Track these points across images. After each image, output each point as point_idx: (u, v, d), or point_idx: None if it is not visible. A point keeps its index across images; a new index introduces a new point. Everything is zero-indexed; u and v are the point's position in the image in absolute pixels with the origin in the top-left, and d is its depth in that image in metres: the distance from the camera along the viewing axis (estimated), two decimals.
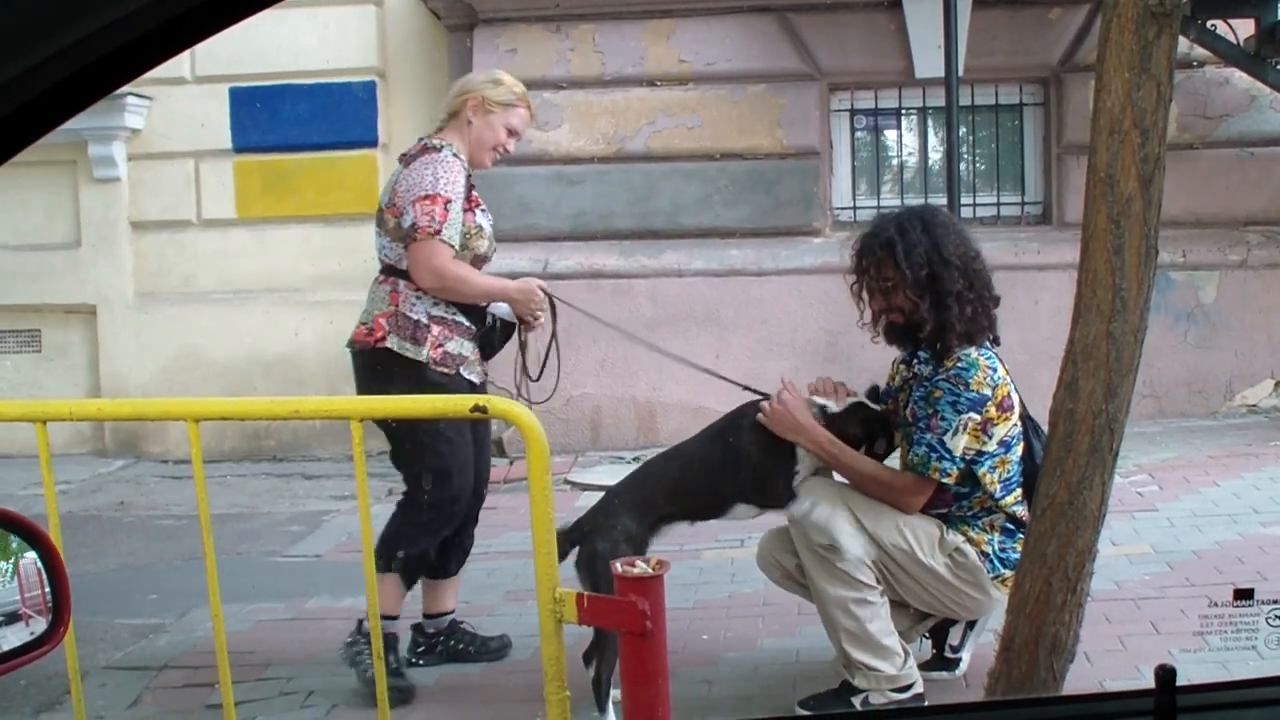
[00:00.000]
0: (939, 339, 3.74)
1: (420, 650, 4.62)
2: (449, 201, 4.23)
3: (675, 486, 3.94)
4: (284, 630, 5.11)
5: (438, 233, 4.19)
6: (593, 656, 3.78)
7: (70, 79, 1.01)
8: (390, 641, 4.17)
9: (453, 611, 4.69)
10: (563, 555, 3.85)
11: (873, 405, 3.90)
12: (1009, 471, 3.77)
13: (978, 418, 3.65)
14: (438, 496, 4.34)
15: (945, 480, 3.66)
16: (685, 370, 7.76)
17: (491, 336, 4.46)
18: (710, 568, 5.48)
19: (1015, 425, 3.77)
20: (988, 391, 3.66)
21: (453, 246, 4.23)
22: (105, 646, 4.97)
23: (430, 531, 4.41)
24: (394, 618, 4.30)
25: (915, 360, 3.95)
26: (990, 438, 3.68)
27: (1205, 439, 7.37)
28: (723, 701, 4.05)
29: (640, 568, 2.54)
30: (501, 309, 4.46)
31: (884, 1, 8.21)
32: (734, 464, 3.89)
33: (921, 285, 3.69)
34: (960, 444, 3.64)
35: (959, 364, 3.68)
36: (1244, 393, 7.99)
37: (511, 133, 4.48)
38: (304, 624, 5.19)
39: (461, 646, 4.62)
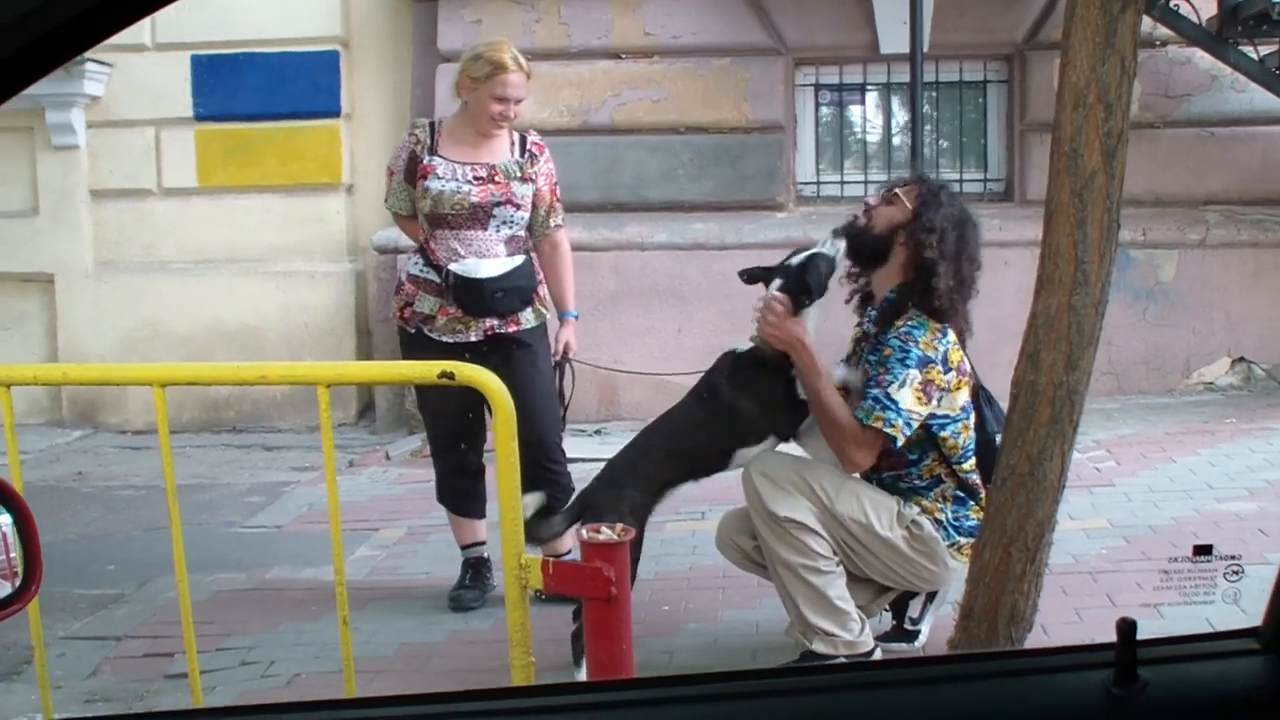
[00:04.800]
0: (920, 287, 3.76)
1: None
2: (392, 174, 4.83)
3: (672, 451, 3.92)
4: (244, 600, 5.10)
5: (386, 200, 4.92)
6: (579, 611, 3.77)
7: (33, 44, 0.99)
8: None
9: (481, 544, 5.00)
10: (567, 527, 3.91)
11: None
12: (971, 437, 3.80)
13: (920, 376, 3.66)
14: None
15: (889, 431, 3.64)
16: (647, 344, 7.81)
17: (458, 292, 4.60)
18: (672, 540, 5.49)
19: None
20: (932, 353, 3.68)
21: (395, 211, 4.89)
22: (64, 617, 4.94)
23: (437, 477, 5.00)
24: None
25: (865, 320, 3.99)
26: (933, 400, 3.69)
27: (1163, 416, 7.44)
28: (683, 671, 4.07)
29: (605, 534, 2.55)
30: (462, 265, 4.61)
31: None
32: (725, 415, 3.89)
33: (929, 230, 3.74)
34: (907, 400, 3.65)
35: (909, 323, 3.73)
36: (1201, 371, 8.07)
37: (501, 100, 4.63)
38: (264, 594, 5.18)
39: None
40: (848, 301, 4.06)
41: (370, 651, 4.37)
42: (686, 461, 3.93)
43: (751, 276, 3.96)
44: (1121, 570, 4.77)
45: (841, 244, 3.89)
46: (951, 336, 3.77)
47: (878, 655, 3.81)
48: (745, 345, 3.97)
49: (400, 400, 8.36)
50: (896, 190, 3.86)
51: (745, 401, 3.89)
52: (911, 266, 3.79)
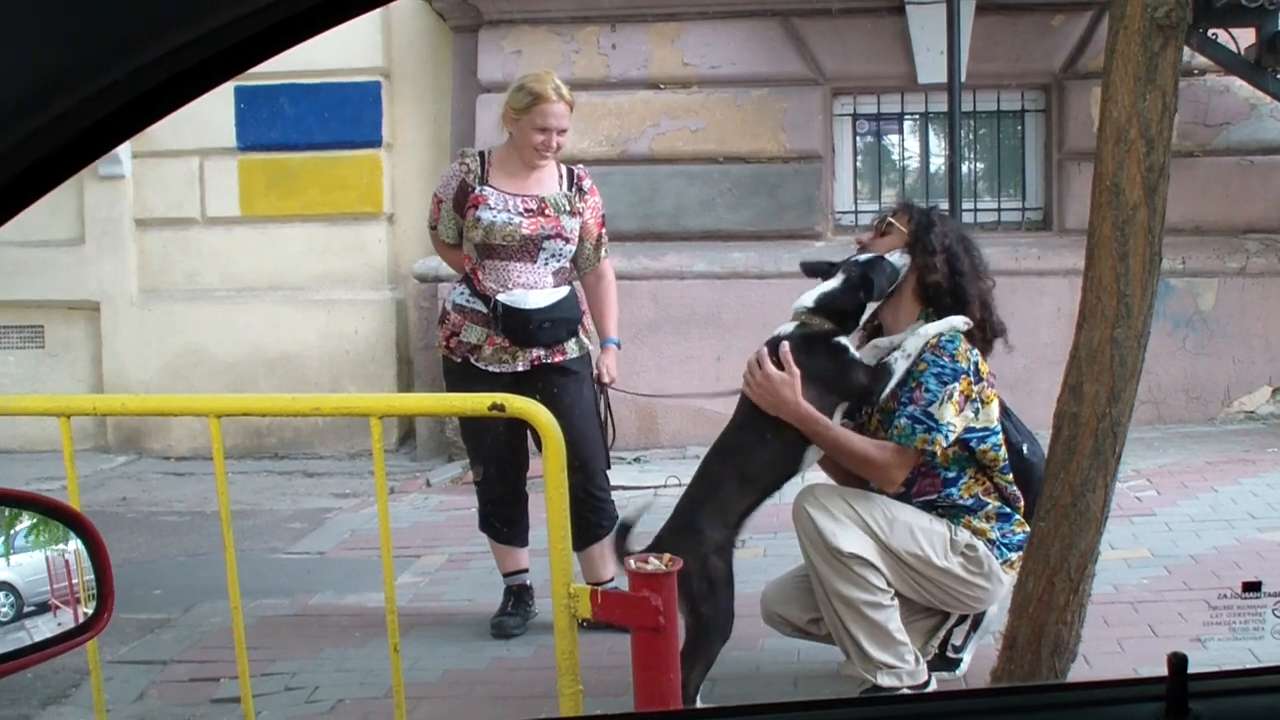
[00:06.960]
0: (927, 288, 3.79)
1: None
2: (440, 201, 4.86)
3: (742, 477, 3.79)
4: (288, 626, 5.15)
5: (433, 227, 4.95)
6: (687, 659, 3.53)
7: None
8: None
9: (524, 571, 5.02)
10: None
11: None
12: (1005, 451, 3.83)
13: (958, 388, 3.67)
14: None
15: (932, 449, 3.64)
16: (686, 372, 7.84)
17: (505, 322, 4.65)
18: None
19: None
20: (965, 364, 3.69)
21: (443, 240, 4.91)
22: (111, 641, 4.98)
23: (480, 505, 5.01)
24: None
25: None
26: (975, 413, 3.70)
27: (1203, 445, 7.41)
28: (725, 699, 4.08)
29: (653, 564, 2.58)
30: (510, 296, 4.65)
31: (887, 7, 8.25)
32: (779, 425, 3.76)
33: (933, 251, 3.76)
34: (948, 414, 3.64)
35: (942, 338, 3.73)
36: (1241, 399, 8.03)
37: (542, 130, 4.67)
38: (308, 620, 5.23)
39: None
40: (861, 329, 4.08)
41: (414, 678, 4.40)
42: (761, 479, 3.81)
43: (812, 270, 3.90)
44: (1163, 600, 4.76)
45: (906, 259, 3.84)
46: (976, 350, 3.79)
47: (933, 685, 3.79)
48: (786, 328, 3.85)
49: (441, 428, 8.42)
50: (889, 219, 3.91)
51: (804, 388, 3.72)
52: (927, 292, 3.81)
